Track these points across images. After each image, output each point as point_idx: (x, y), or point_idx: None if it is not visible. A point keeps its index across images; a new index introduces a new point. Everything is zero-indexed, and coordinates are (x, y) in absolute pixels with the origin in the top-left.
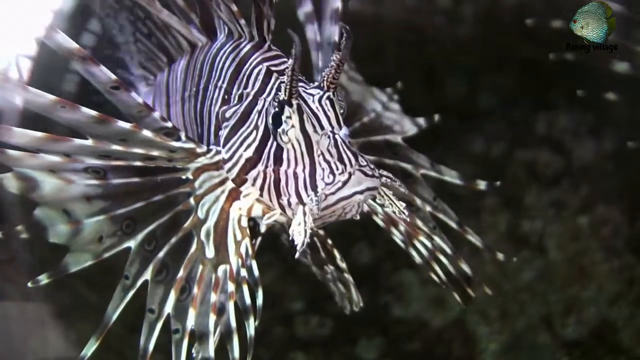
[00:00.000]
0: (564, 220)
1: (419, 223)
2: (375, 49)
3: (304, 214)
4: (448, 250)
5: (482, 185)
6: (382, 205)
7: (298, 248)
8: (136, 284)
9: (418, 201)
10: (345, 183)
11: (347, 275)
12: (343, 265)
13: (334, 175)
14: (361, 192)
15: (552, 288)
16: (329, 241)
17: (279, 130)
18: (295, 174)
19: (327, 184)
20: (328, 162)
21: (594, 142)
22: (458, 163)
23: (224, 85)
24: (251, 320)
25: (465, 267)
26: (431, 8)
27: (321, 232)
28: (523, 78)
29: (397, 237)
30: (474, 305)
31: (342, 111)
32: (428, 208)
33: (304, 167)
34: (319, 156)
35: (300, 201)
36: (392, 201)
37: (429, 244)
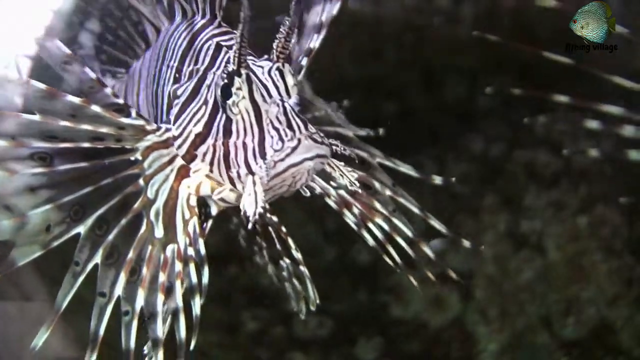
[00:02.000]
0: (563, 220)
1: (377, 205)
2: (375, 49)
3: (254, 183)
4: (409, 233)
5: (437, 180)
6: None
7: (250, 219)
8: (86, 268)
9: (377, 184)
10: (294, 149)
11: (302, 268)
12: (298, 255)
13: (282, 141)
14: (311, 159)
15: (551, 288)
16: (283, 229)
17: (229, 102)
18: (244, 144)
19: (276, 151)
20: (277, 130)
21: (593, 142)
22: (457, 163)
23: (175, 64)
24: (197, 299)
25: (427, 251)
26: (430, 8)
27: (275, 219)
28: (522, 79)
29: (350, 220)
30: (473, 305)
31: (293, 83)
32: (388, 192)
33: (252, 137)
34: (267, 125)
35: (250, 171)
36: (343, 172)
37: (385, 226)
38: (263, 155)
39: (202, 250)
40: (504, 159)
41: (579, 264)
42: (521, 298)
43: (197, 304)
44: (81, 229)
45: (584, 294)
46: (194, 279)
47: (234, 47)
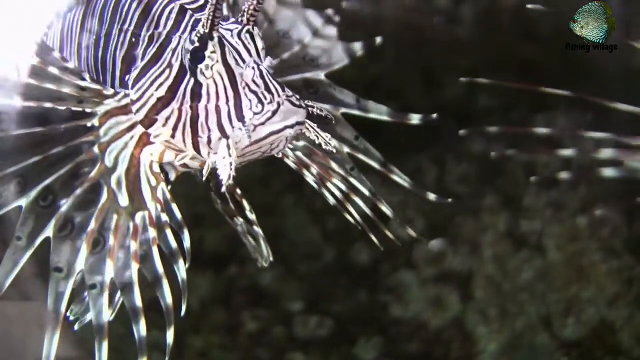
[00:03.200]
0: (563, 220)
1: (334, 165)
2: (375, 49)
3: (228, 147)
4: (366, 192)
5: (415, 119)
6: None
7: (224, 182)
8: (34, 243)
9: (334, 142)
10: (275, 113)
11: (256, 229)
12: (253, 217)
13: (262, 104)
14: (292, 127)
15: (551, 288)
16: (238, 191)
17: (200, 66)
18: (217, 108)
19: (255, 114)
20: (255, 93)
21: (592, 142)
22: (457, 163)
23: (131, 28)
24: (180, 263)
25: (385, 209)
26: (430, 8)
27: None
28: (522, 78)
29: (310, 179)
30: (473, 305)
31: (262, 46)
32: (346, 149)
33: (227, 100)
34: (244, 88)
35: (224, 134)
36: (319, 133)
37: (343, 187)
38: (241, 118)
39: (178, 215)
40: (504, 159)
41: (579, 264)
42: (521, 298)
43: (181, 268)
44: (23, 202)
45: (584, 294)
46: (174, 244)
47: (207, 10)
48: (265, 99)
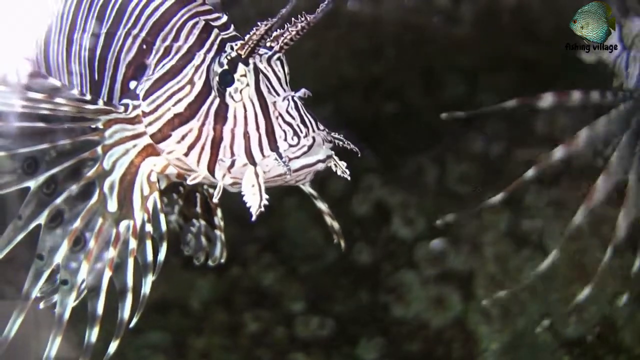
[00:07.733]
0: (564, 219)
1: None
2: (375, 49)
3: (256, 175)
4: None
5: None
6: None
7: (254, 211)
8: (28, 226)
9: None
10: (310, 147)
11: (218, 233)
12: (221, 223)
13: (298, 137)
14: (323, 161)
15: (552, 287)
16: (215, 200)
17: (229, 89)
18: (246, 134)
19: (291, 146)
20: (290, 124)
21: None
22: (458, 162)
23: (142, 34)
24: (149, 277)
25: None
26: (430, 8)
27: (211, 190)
28: (522, 78)
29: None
30: (474, 304)
31: (287, 71)
32: None
33: (257, 127)
34: (277, 118)
35: (251, 161)
36: (337, 162)
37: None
38: (275, 148)
39: (163, 226)
40: (505, 158)
41: (580, 262)
42: (522, 297)
43: (148, 282)
44: (32, 183)
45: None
46: (149, 257)
47: (251, 37)
48: (301, 132)
